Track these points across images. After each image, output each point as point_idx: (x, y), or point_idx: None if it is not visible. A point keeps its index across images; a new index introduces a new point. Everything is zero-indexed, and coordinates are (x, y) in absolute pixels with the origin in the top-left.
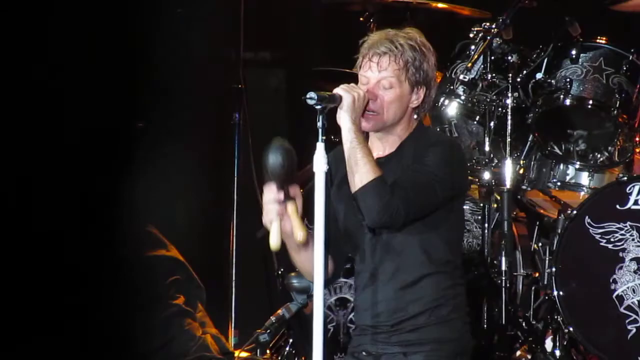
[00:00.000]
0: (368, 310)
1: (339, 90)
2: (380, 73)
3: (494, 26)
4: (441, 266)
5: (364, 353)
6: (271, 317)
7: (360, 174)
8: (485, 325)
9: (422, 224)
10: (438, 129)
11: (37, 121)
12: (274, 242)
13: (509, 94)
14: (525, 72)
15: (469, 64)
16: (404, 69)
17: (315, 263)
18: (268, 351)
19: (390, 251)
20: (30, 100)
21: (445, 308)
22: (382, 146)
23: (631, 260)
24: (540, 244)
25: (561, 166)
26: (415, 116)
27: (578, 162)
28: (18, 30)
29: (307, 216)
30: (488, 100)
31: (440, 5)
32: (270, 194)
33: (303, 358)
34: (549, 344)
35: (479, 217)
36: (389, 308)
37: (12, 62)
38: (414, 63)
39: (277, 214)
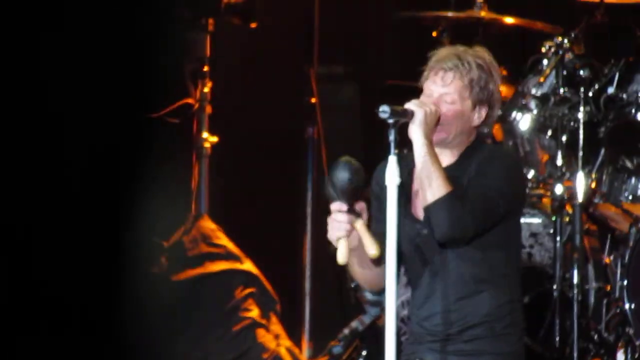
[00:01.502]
0: (425, 319)
1: (411, 105)
2: (443, 88)
3: (565, 41)
4: (499, 280)
5: None
6: (344, 329)
7: (433, 189)
8: (557, 338)
9: (483, 238)
10: (510, 143)
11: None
12: (342, 258)
13: (581, 108)
14: (597, 86)
15: (541, 79)
16: (469, 87)
17: (387, 275)
18: None
19: (450, 263)
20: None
21: (501, 322)
22: (442, 157)
23: None
24: (612, 257)
25: (633, 180)
26: (474, 132)
27: None
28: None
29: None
30: (560, 114)
31: (512, 20)
32: (337, 211)
33: None
34: (620, 357)
35: (551, 231)
36: (446, 318)
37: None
38: (479, 82)
39: (344, 231)
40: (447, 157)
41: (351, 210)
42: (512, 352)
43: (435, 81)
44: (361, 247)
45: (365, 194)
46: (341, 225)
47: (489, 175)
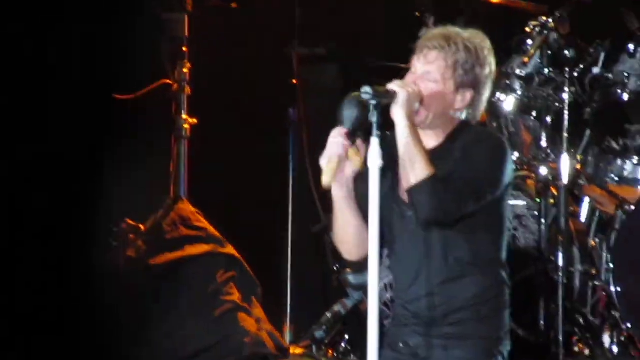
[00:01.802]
0: (409, 302)
1: (393, 86)
2: (426, 66)
3: (550, 20)
4: (485, 263)
5: (401, 345)
6: (327, 313)
7: (416, 171)
8: (542, 322)
9: (468, 221)
10: (495, 125)
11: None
12: (328, 179)
13: (566, 89)
14: (582, 66)
15: (526, 59)
16: (452, 68)
17: (369, 258)
18: (324, 347)
19: (436, 246)
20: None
21: (487, 306)
22: (427, 139)
23: None
24: (597, 240)
25: (619, 161)
26: (462, 115)
27: (635, 157)
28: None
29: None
30: (545, 95)
31: (497, 0)
32: (337, 134)
33: (358, 354)
34: (606, 340)
35: (536, 213)
36: (430, 302)
37: None
38: (464, 65)
39: (337, 154)
40: (432, 140)
41: (350, 139)
42: (497, 336)
43: (420, 59)
44: (348, 209)
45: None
46: (337, 147)
47: (475, 158)
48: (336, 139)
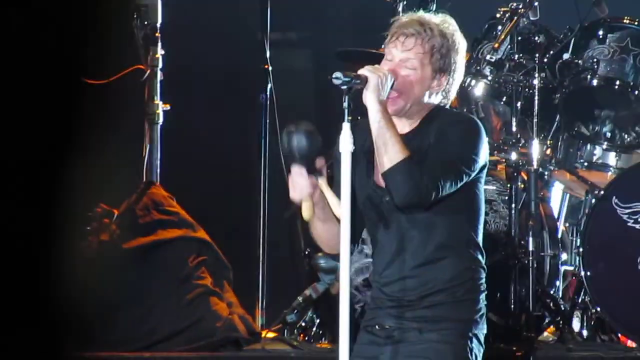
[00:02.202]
0: (385, 285)
1: (364, 71)
2: (404, 53)
3: (521, 6)
4: (462, 246)
5: (377, 327)
6: (298, 298)
7: (390, 155)
8: (512, 306)
9: (445, 203)
10: (465, 110)
11: None
12: (307, 215)
13: (536, 75)
14: (552, 52)
15: (496, 44)
16: (429, 53)
17: (341, 244)
18: (295, 331)
19: (411, 228)
20: None
21: (462, 288)
22: (402, 125)
23: None
24: (567, 225)
25: (588, 146)
26: (436, 100)
27: (605, 143)
28: None
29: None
30: (515, 80)
31: None
32: (298, 173)
33: (330, 338)
34: (576, 324)
35: (506, 198)
36: (406, 284)
37: None
38: (441, 49)
39: (307, 193)
40: (407, 125)
41: (311, 171)
42: (472, 318)
43: (397, 46)
44: (322, 201)
45: (327, 157)
46: (303, 187)
47: (450, 139)
48: (300, 180)
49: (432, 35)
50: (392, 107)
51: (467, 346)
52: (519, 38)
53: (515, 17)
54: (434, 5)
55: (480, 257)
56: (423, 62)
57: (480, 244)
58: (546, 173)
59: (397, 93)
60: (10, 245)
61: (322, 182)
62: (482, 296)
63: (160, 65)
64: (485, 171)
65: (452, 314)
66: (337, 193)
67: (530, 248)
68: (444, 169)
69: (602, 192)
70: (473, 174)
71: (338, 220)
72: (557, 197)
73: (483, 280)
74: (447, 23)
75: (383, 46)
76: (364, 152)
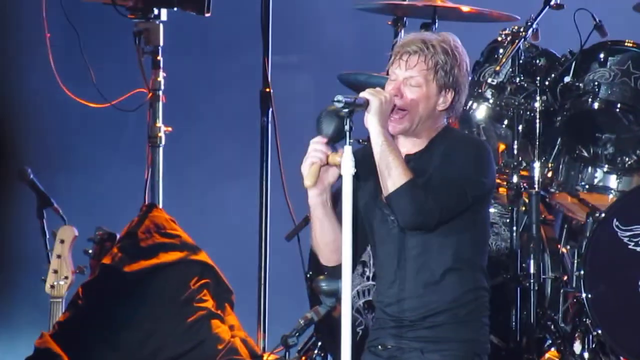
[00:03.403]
0: (388, 305)
1: (365, 95)
2: (407, 71)
3: (522, 29)
4: (465, 267)
5: (379, 347)
6: (300, 320)
7: (393, 177)
8: (513, 328)
9: (450, 225)
10: (466, 132)
11: None
12: (310, 181)
13: (537, 98)
14: (553, 75)
15: (497, 67)
16: (433, 70)
17: (343, 265)
18: (297, 354)
19: (416, 249)
20: None
21: (465, 309)
22: (410, 145)
23: None
24: (568, 247)
25: (589, 169)
26: (444, 120)
27: (606, 165)
28: None
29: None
30: (516, 103)
31: (468, 8)
32: (317, 140)
33: None
34: (577, 347)
35: (507, 220)
36: (410, 304)
37: None
38: (444, 66)
39: (319, 158)
40: (414, 145)
41: (330, 146)
42: (475, 338)
43: (400, 65)
44: (328, 194)
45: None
46: (317, 152)
47: (456, 162)
48: (316, 145)
49: (435, 52)
50: (398, 127)
51: None
52: (520, 61)
53: (517, 40)
54: (436, 26)
55: (483, 279)
56: (427, 79)
57: (484, 267)
58: (547, 195)
59: (403, 112)
60: None
61: (333, 158)
62: (486, 318)
63: (162, 87)
64: (491, 195)
65: (454, 334)
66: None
67: (532, 270)
68: (449, 190)
69: (603, 215)
70: (479, 195)
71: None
72: (558, 220)
73: (486, 302)
74: (450, 39)
75: (387, 69)
76: (372, 172)
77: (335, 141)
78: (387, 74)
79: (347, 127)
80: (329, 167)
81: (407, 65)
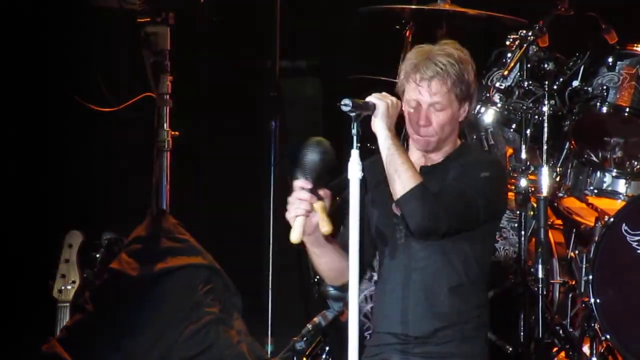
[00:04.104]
0: (393, 318)
1: (372, 99)
2: (432, 97)
3: (530, 34)
4: (471, 284)
5: None
6: (307, 325)
7: (402, 180)
8: (521, 333)
9: (457, 239)
10: (475, 137)
11: None
12: (295, 237)
13: (545, 102)
14: (561, 79)
15: (505, 72)
16: (452, 89)
17: (350, 270)
18: (304, 359)
19: (425, 262)
20: None
21: (470, 325)
22: (427, 158)
23: None
24: (577, 252)
25: (598, 174)
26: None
27: (615, 170)
28: None
29: (341, 223)
30: (524, 107)
31: (476, 12)
32: (300, 189)
33: None
34: (586, 352)
35: (515, 225)
36: (415, 319)
37: None
38: (461, 79)
39: (303, 210)
40: (431, 158)
41: (314, 191)
42: (479, 353)
43: (421, 92)
44: (317, 231)
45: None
46: (301, 203)
47: (471, 176)
48: (300, 195)
49: (447, 69)
50: (424, 147)
51: None
52: (528, 65)
53: (525, 45)
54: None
55: (485, 297)
56: (450, 99)
57: (487, 284)
58: (555, 200)
59: (431, 136)
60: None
61: (320, 206)
62: (487, 334)
63: (169, 92)
64: (501, 217)
65: (459, 350)
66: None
67: (540, 275)
68: (462, 201)
69: (611, 219)
70: (489, 215)
71: (335, 254)
72: (566, 225)
73: (487, 319)
74: (452, 51)
75: (398, 82)
76: (380, 181)
77: (320, 174)
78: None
79: (354, 132)
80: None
81: (431, 90)
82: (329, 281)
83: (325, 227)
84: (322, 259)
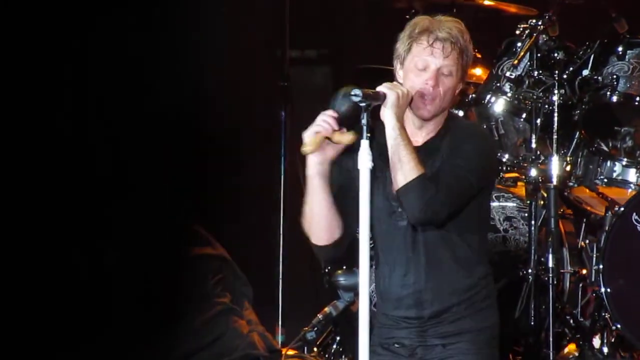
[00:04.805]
0: (401, 301)
1: (382, 88)
2: (443, 60)
3: (540, 23)
4: (475, 255)
5: (396, 345)
6: (318, 315)
7: (404, 171)
8: (532, 323)
9: (454, 214)
10: (485, 127)
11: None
12: (310, 148)
13: (556, 91)
14: (571, 68)
15: (515, 61)
16: (460, 57)
17: (360, 260)
18: (315, 349)
19: (425, 241)
20: None
21: (479, 296)
22: (419, 133)
23: None
24: (587, 241)
25: (608, 163)
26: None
27: (625, 159)
28: None
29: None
30: (534, 97)
31: (487, 2)
32: (328, 114)
33: (350, 355)
34: (596, 341)
35: (526, 214)
36: (424, 299)
37: None
38: (466, 51)
39: (324, 128)
40: (423, 134)
41: (338, 124)
42: (492, 324)
43: (434, 53)
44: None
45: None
46: (324, 122)
47: (463, 155)
48: (325, 116)
49: (458, 37)
50: (424, 113)
51: (492, 353)
52: (538, 55)
53: (535, 34)
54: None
55: (488, 264)
56: (458, 67)
57: (487, 251)
58: (566, 189)
59: (435, 99)
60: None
61: (338, 136)
62: (495, 299)
63: None
64: (494, 182)
65: (474, 324)
66: (341, 182)
67: (550, 265)
68: (458, 185)
69: (621, 209)
70: (482, 186)
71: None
72: (576, 214)
73: (493, 285)
74: (458, 22)
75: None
76: (378, 161)
77: (344, 119)
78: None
79: (364, 122)
80: (331, 141)
81: (443, 53)
82: (315, 237)
83: (346, 138)
84: (318, 199)
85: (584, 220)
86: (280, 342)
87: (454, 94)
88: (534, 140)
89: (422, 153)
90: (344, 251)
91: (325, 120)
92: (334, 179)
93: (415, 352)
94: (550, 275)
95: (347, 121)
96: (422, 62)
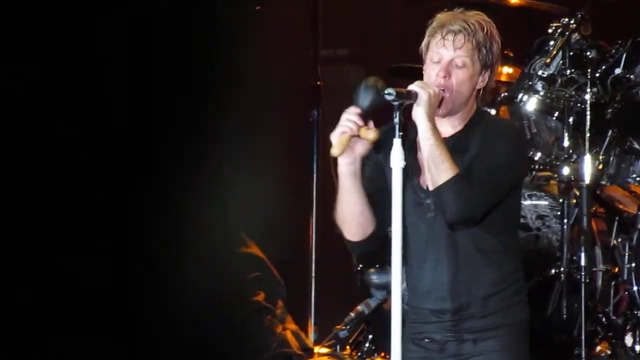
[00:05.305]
0: (430, 294)
1: (414, 87)
2: (455, 52)
3: (572, 22)
4: (504, 250)
5: (426, 340)
6: (350, 313)
7: (440, 172)
8: (564, 321)
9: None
10: (517, 125)
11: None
12: (338, 150)
13: (588, 90)
14: (603, 67)
15: (548, 60)
16: (477, 49)
17: (393, 258)
18: (347, 347)
19: (454, 234)
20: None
21: (509, 291)
22: (447, 126)
23: None
24: (619, 240)
25: None
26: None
27: None
28: None
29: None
30: (567, 95)
31: (518, 1)
32: (352, 111)
33: (382, 353)
34: (628, 340)
35: (558, 213)
36: (454, 293)
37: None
38: (485, 44)
39: (350, 128)
40: (449, 128)
41: (364, 120)
42: (522, 321)
43: (445, 45)
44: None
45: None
46: (349, 122)
47: (495, 151)
48: (349, 115)
49: (476, 30)
50: (442, 110)
51: (522, 351)
52: (571, 53)
53: (567, 33)
54: None
55: (518, 259)
56: (473, 59)
57: (518, 245)
58: (598, 188)
59: (446, 91)
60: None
61: (364, 131)
62: (525, 295)
63: None
64: (525, 177)
65: (504, 320)
66: (372, 178)
67: (583, 263)
68: (491, 182)
69: None
70: (515, 183)
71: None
72: (609, 213)
73: (524, 281)
74: (482, 16)
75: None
76: (407, 152)
77: (369, 112)
78: (423, 54)
79: (396, 120)
80: (359, 139)
81: (455, 45)
82: (349, 233)
83: (372, 135)
84: (352, 199)
85: (616, 218)
86: (313, 341)
87: (473, 88)
88: (566, 139)
89: (452, 145)
90: (378, 245)
91: (349, 119)
92: (366, 174)
93: (445, 347)
94: (583, 273)
95: (373, 111)
96: (437, 56)
